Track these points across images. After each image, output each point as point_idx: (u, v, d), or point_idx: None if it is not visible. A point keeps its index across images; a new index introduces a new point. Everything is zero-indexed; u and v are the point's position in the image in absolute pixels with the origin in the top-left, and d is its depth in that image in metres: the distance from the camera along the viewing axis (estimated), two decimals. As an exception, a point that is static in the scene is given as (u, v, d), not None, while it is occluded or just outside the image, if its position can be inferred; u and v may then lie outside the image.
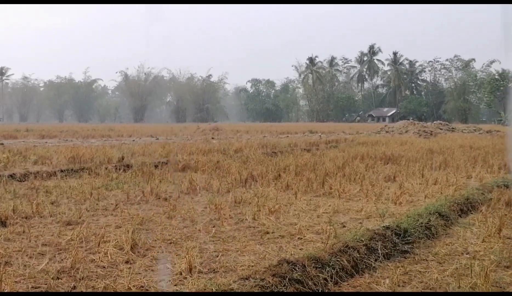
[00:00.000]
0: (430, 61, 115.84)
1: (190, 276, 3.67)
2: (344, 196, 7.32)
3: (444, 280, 3.73)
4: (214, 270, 3.85)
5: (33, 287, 3.46)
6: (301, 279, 3.50)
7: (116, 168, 10.14)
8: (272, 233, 5.03)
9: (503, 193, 7.21)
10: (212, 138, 25.01)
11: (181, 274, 3.73)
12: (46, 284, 3.51)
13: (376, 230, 4.70)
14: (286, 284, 3.39)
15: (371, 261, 4.14)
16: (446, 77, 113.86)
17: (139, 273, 3.75)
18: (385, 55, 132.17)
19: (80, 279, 3.61)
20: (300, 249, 4.43)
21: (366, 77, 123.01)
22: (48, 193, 7.39)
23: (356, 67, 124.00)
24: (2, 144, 17.74)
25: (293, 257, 3.81)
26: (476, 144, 18.47)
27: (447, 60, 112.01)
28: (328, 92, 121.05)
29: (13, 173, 9.09)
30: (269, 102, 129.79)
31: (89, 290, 3.42)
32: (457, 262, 4.17)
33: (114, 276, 3.67)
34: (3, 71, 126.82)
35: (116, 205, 6.47)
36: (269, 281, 3.34)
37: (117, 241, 4.45)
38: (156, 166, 10.56)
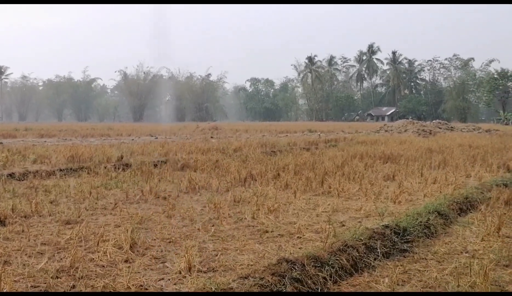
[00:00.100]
0: (429, 60, 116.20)
1: (190, 275, 3.67)
2: (343, 195, 7.32)
3: (443, 279, 3.73)
4: (213, 269, 3.85)
5: (32, 286, 3.46)
6: (301, 278, 3.50)
7: (115, 167, 10.14)
8: (271, 232, 5.03)
9: (502, 192, 7.21)
10: (211, 137, 25.00)
11: (180, 273, 3.72)
12: (45, 283, 3.50)
13: (375, 229, 4.70)
14: (286, 283, 3.39)
15: (371, 260, 4.14)
16: (445, 76, 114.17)
17: (138, 272, 3.75)
18: (384, 54, 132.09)
19: (79, 278, 3.60)
20: (299, 248, 4.43)
21: (365, 76, 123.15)
22: (47, 192, 7.39)
23: (355, 66, 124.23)
24: (1, 143, 17.73)
25: (292, 256, 3.80)
26: (475, 143, 18.48)
27: (446, 59, 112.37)
28: (327, 91, 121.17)
29: (12, 172, 9.08)
30: (268, 101, 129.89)
31: (88, 289, 3.41)
32: (456, 261, 4.17)
33: (113, 275, 3.67)
34: (2, 70, 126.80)
35: (115, 204, 6.46)
36: (268, 280, 3.34)
37: (116, 240, 4.44)
38: (155, 165, 10.56)
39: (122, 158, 11.93)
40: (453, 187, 7.73)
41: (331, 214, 5.90)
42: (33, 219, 5.56)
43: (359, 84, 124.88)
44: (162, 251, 4.33)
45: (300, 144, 18.50)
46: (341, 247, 4.09)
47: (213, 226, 5.29)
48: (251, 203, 6.50)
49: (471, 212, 6.29)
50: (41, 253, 4.22)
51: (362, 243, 4.30)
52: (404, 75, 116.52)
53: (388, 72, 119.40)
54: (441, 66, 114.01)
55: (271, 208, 6.04)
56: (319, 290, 3.52)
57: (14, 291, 3.34)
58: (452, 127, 35.37)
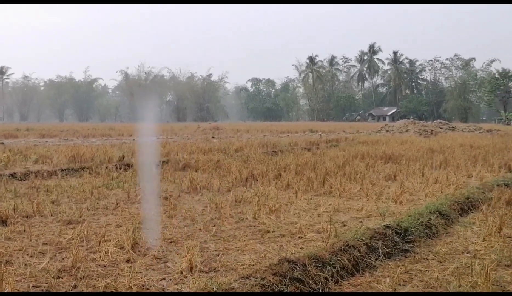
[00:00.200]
0: (430, 60, 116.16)
1: (191, 275, 3.67)
2: (345, 195, 7.32)
3: (445, 279, 3.73)
4: (214, 269, 3.85)
5: (34, 286, 3.46)
6: (302, 278, 3.50)
7: (117, 167, 10.15)
8: (272, 232, 5.04)
9: (503, 192, 7.21)
10: (213, 137, 25.01)
11: (181, 273, 3.73)
12: (47, 283, 3.51)
13: (377, 229, 4.70)
14: (287, 283, 3.39)
15: (372, 260, 4.13)
16: (446, 76, 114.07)
17: (140, 272, 3.75)
18: (385, 54, 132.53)
19: (80, 278, 3.61)
20: (300, 248, 4.43)
21: (366, 76, 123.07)
22: (48, 192, 7.39)
23: (356, 66, 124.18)
24: (2, 143, 17.75)
25: (293, 256, 3.80)
26: (477, 143, 18.46)
27: (447, 59, 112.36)
28: (328, 91, 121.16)
29: (14, 172, 9.09)
30: (270, 101, 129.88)
31: (90, 289, 3.42)
32: (457, 261, 4.17)
33: (115, 275, 3.67)
34: (4, 70, 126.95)
35: (117, 204, 6.47)
36: (269, 280, 3.34)
37: (118, 240, 4.45)
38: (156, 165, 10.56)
39: (123, 158, 11.94)
40: (454, 187, 7.72)
41: (332, 214, 5.90)
42: (34, 219, 5.57)
43: (360, 84, 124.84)
44: (163, 251, 4.33)
45: (301, 144, 18.50)
46: (342, 247, 4.09)
47: (214, 226, 5.29)
48: (253, 203, 6.50)
49: (472, 212, 6.28)
50: (43, 253, 4.22)
51: (364, 243, 4.30)
52: (405, 75, 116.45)
53: (389, 72, 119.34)
54: (442, 66, 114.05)
55: (273, 208, 6.05)
56: (320, 290, 3.52)
57: (16, 291, 3.35)
58: (453, 127, 35.34)
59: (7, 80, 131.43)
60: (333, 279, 3.67)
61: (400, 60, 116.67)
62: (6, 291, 3.28)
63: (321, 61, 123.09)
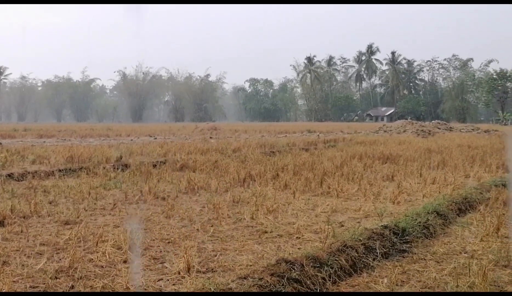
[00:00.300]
0: (428, 61, 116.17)
1: (188, 276, 3.67)
2: (342, 195, 7.32)
3: (442, 279, 3.73)
4: (212, 269, 3.85)
5: (31, 287, 3.45)
6: (300, 278, 3.50)
7: (114, 168, 10.13)
8: (270, 232, 5.03)
9: (501, 193, 7.22)
10: (210, 137, 25.00)
11: (179, 273, 3.72)
12: (44, 283, 3.50)
13: (374, 230, 4.71)
14: (285, 284, 3.39)
15: (370, 261, 4.14)
16: (444, 76, 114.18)
17: (137, 273, 3.75)
18: (383, 54, 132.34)
19: (78, 278, 3.60)
20: (298, 248, 4.43)
21: (364, 76, 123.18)
22: (46, 192, 7.38)
23: (354, 66, 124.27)
24: (0, 143, 17.71)
25: (291, 257, 3.81)
26: (474, 144, 18.50)
27: (445, 59, 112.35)
28: (326, 91, 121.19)
29: (11, 173, 9.08)
30: (268, 101, 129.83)
31: (87, 290, 3.41)
32: (455, 261, 4.17)
33: (112, 276, 3.66)
34: (1, 70, 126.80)
35: (114, 204, 6.46)
36: (267, 281, 3.34)
37: (115, 241, 4.44)
38: (154, 166, 10.55)
39: (121, 158, 11.92)
40: (452, 188, 7.73)
41: (330, 215, 5.90)
42: (32, 219, 5.56)
43: (358, 84, 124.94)
44: (161, 251, 4.33)
45: (299, 145, 18.50)
46: (340, 248, 4.10)
47: (212, 226, 5.29)
48: (250, 203, 6.49)
49: (470, 213, 6.29)
50: (40, 254, 4.21)
51: (361, 244, 4.30)
52: (403, 76, 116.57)
53: (387, 72, 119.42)
54: (440, 66, 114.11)
55: (270, 208, 6.05)
56: (318, 291, 3.52)
57: (13, 291, 3.34)
58: (451, 128, 35.40)
59: (5, 80, 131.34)
60: (331, 279, 3.67)
61: (398, 60, 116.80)
62: (3, 291, 3.27)
63: (319, 61, 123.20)
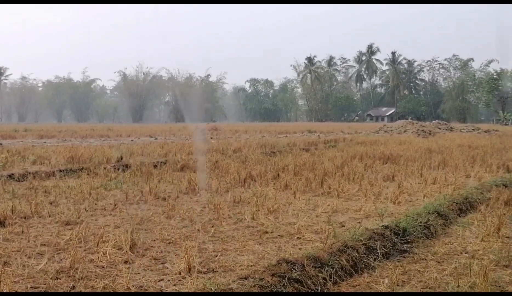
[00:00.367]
0: (429, 61, 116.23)
1: (189, 276, 3.67)
2: (343, 195, 7.32)
3: (443, 280, 3.73)
4: (213, 269, 3.85)
5: (32, 287, 3.46)
6: (300, 278, 3.50)
7: (115, 168, 10.14)
8: (271, 232, 5.03)
9: (502, 193, 7.22)
10: (211, 138, 25.00)
11: (180, 274, 3.72)
12: (45, 284, 3.50)
13: (375, 230, 4.71)
14: (285, 284, 3.39)
15: (370, 261, 4.14)
16: (444, 76, 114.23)
17: (138, 273, 3.75)
18: (383, 55, 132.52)
19: (79, 279, 3.60)
20: (299, 248, 4.43)
21: (365, 76, 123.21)
22: (46, 193, 7.38)
23: (354, 66, 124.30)
24: (0, 144, 17.72)
25: (292, 257, 3.80)
26: (475, 144, 18.49)
27: (445, 59, 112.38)
28: (327, 91, 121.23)
29: (12, 173, 9.08)
30: (268, 102, 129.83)
31: (88, 290, 3.41)
32: (456, 261, 4.17)
33: (113, 276, 3.66)
34: (2, 71, 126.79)
35: (115, 205, 6.46)
36: (268, 281, 3.34)
37: (116, 241, 4.44)
38: (155, 166, 10.56)
39: (121, 159, 11.93)
40: (452, 188, 7.73)
41: (330, 215, 5.90)
42: (32, 220, 5.56)
43: (358, 84, 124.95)
44: (162, 252, 4.33)
45: (299, 145, 18.50)
46: (341, 248, 4.09)
47: (212, 226, 5.29)
48: (251, 203, 6.49)
49: (470, 213, 6.29)
50: (41, 254, 4.21)
51: (362, 244, 4.30)
52: (403, 76, 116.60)
53: (387, 72, 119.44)
54: (441, 66, 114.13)
55: (271, 208, 6.05)
56: (319, 291, 3.52)
57: (14, 291, 3.34)
58: (451, 128, 35.41)
59: (5, 81, 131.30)
60: (332, 279, 3.67)
61: (399, 60, 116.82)
62: (4, 291, 3.27)
63: (319, 61, 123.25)
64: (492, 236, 5.00)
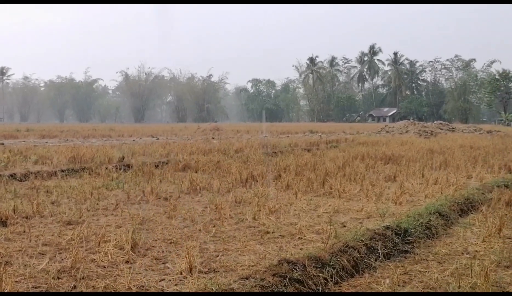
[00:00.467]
0: (431, 61, 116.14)
1: (191, 276, 3.67)
2: (345, 196, 7.32)
3: (444, 280, 3.73)
4: (214, 269, 3.85)
5: (33, 287, 3.46)
6: (301, 279, 3.50)
7: (117, 168, 10.15)
8: (272, 232, 5.04)
9: (503, 193, 7.21)
10: (213, 138, 25.01)
11: (181, 273, 3.73)
12: (46, 283, 3.51)
13: (376, 230, 4.70)
14: (287, 284, 3.39)
15: (371, 261, 4.14)
16: (446, 77, 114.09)
17: (140, 273, 3.75)
18: (385, 55, 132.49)
19: (80, 278, 3.61)
20: (300, 248, 4.43)
21: (367, 77, 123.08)
22: (48, 193, 7.40)
23: (356, 67, 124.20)
24: (2, 144, 17.75)
25: (293, 257, 3.81)
26: (477, 144, 18.46)
27: (447, 60, 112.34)
28: (329, 92, 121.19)
29: (14, 173, 9.10)
30: (270, 102, 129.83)
31: (90, 290, 3.42)
32: (457, 262, 4.17)
33: (115, 276, 3.67)
34: (4, 71, 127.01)
35: (117, 205, 6.47)
36: (269, 281, 3.34)
37: (118, 241, 4.45)
38: (156, 166, 10.57)
39: (123, 159, 11.94)
40: (454, 188, 7.72)
41: (332, 215, 5.90)
42: (34, 219, 5.57)
43: (360, 85, 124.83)
44: (163, 252, 4.33)
45: (301, 145, 18.50)
46: (342, 248, 4.10)
47: (214, 227, 5.29)
48: (252, 204, 6.50)
49: (472, 213, 6.28)
50: (42, 254, 4.22)
51: (363, 244, 4.30)
52: (405, 76, 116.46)
53: (389, 73, 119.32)
54: (443, 67, 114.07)
55: (272, 209, 6.05)
56: (320, 291, 3.52)
57: (16, 291, 3.35)
58: (453, 128, 35.35)
59: (8, 81, 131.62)
60: (333, 280, 3.67)
61: (400, 61, 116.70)
62: (5, 291, 3.28)
63: (321, 61, 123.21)
64: (494, 237, 5.00)
